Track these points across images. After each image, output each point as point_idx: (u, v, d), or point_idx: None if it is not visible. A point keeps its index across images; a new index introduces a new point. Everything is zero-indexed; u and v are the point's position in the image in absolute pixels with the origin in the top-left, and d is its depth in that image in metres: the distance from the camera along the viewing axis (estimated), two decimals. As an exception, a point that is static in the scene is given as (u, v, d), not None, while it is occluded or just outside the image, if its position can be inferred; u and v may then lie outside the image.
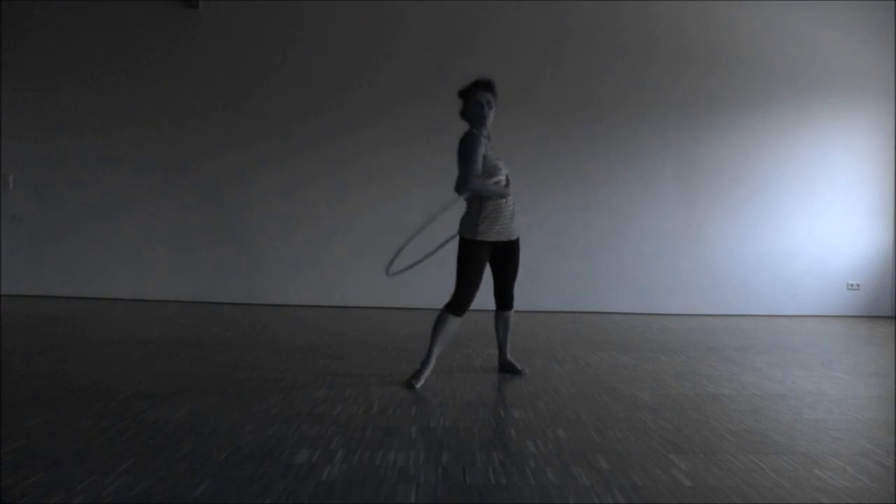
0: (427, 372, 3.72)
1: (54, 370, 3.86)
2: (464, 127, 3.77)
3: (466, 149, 3.59)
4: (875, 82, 7.26)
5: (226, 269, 7.27)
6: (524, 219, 4.05)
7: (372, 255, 6.77)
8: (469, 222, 3.70)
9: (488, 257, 3.77)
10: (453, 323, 3.70)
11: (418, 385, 3.65)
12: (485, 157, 3.64)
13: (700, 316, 7.10)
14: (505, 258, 3.84)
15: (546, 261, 7.11)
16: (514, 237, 3.79)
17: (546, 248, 7.12)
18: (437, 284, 5.16)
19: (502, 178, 3.68)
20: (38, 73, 7.32)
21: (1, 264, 7.22)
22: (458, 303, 3.68)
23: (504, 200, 3.68)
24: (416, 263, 3.90)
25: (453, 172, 3.65)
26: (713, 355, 4.86)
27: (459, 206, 3.81)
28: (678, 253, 7.26)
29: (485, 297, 6.64)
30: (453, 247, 3.83)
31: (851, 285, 7.30)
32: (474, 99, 3.67)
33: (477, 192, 3.61)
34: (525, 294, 6.24)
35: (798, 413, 3.32)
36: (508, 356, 4.13)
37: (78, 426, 2.82)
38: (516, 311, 4.13)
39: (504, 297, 3.97)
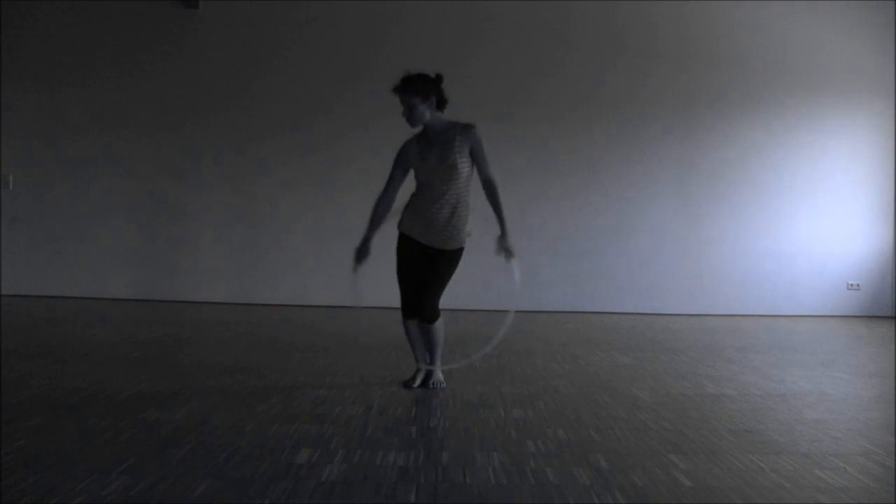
0: (420, 374, 3.71)
1: (54, 370, 3.86)
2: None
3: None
4: (875, 83, 7.25)
5: (225, 269, 7.26)
6: (523, 220, 3.96)
7: (373, 255, 6.74)
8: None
9: (414, 255, 3.55)
10: (407, 323, 3.60)
11: (415, 385, 3.66)
12: (408, 160, 3.60)
13: (700, 316, 7.10)
14: (429, 264, 3.52)
15: (546, 261, 7.10)
16: (437, 246, 3.51)
17: (546, 248, 7.11)
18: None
19: (431, 174, 3.49)
20: (38, 73, 7.30)
21: (1, 264, 7.21)
22: (401, 302, 3.62)
23: (435, 204, 3.45)
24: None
25: None
26: (713, 355, 4.86)
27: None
28: (678, 253, 7.25)
29: (479, 295, 6.65)
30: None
31: (851, 285, 7.30)
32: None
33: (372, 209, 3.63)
34: (525, 294, 6.24)
35: (798, 413, 3.32)
36: (435, 368, 3.70)
37: (78, 426, 2.82)
38: (520, 312, 4.09)
39: (417, 303, 3.53)
